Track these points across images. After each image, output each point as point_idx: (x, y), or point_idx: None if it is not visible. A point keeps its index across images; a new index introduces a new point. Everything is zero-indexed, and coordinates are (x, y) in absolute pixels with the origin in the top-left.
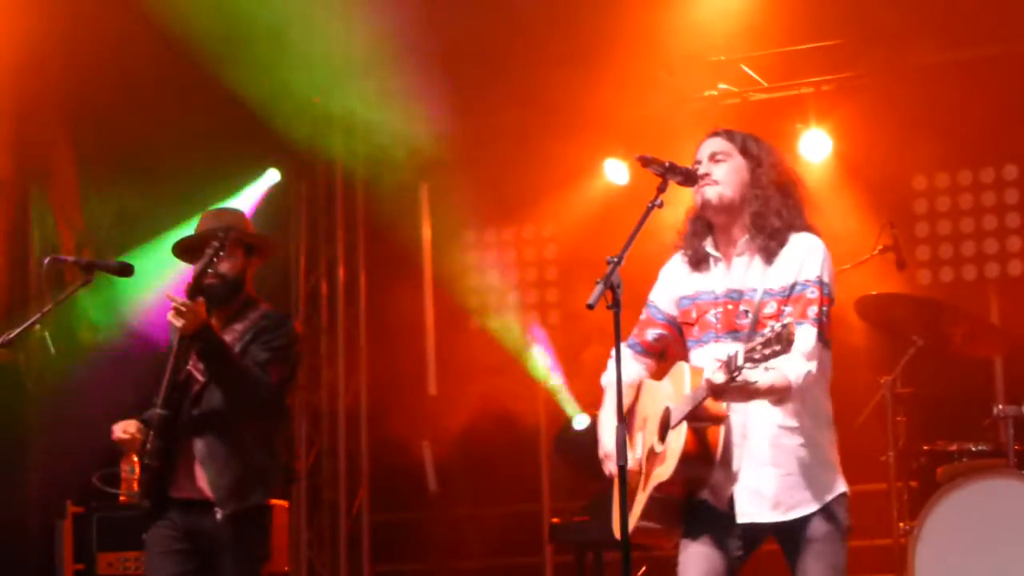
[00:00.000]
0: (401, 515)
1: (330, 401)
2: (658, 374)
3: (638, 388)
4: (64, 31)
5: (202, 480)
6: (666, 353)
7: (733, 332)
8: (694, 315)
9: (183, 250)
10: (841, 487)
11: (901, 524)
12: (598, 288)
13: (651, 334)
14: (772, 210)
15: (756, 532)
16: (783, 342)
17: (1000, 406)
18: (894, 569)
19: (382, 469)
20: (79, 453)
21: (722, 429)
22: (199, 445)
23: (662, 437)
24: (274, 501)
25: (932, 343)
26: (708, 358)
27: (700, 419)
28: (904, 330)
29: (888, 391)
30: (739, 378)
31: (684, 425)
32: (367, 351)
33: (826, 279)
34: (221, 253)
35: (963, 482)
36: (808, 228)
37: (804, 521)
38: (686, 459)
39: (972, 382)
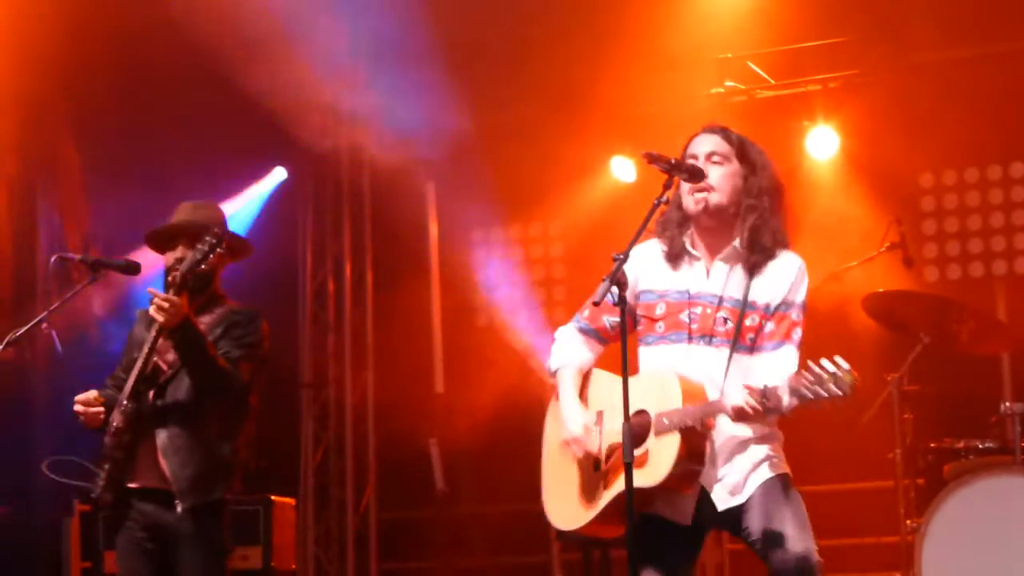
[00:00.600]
0: (408, 513)
1: (337, 399)
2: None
3: (586, 376)
4: (70, 29)
5: (164, 471)
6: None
7: (708, 337)
8: (660, 311)
9: (158, 239)
10: (782, 469)
11: (908, 521)
12: (604, 285)
13: (608, 320)
14: (769, 227)
15: (703, 529)
16: (844, 387)
17: (1007, 403)
18: (901, 567)
19: (389, 467)
20: (86, 452)
21: (709, 440)
22: (162, 436)
23: (637, 439)
24: (281, 498)
25: (939, 340)
26: (680, 359)
27: (694, 432)
28: (911, 327)
29: (895, 388)
30: (770, 407)
31: (676, 436)
32: (374, 349)
33: (806, 305)
34: (219, 250)
35: (970, 479)
36: (790, 244)
37: (747, 501)
38: (679, 467)
39: (979, 379)
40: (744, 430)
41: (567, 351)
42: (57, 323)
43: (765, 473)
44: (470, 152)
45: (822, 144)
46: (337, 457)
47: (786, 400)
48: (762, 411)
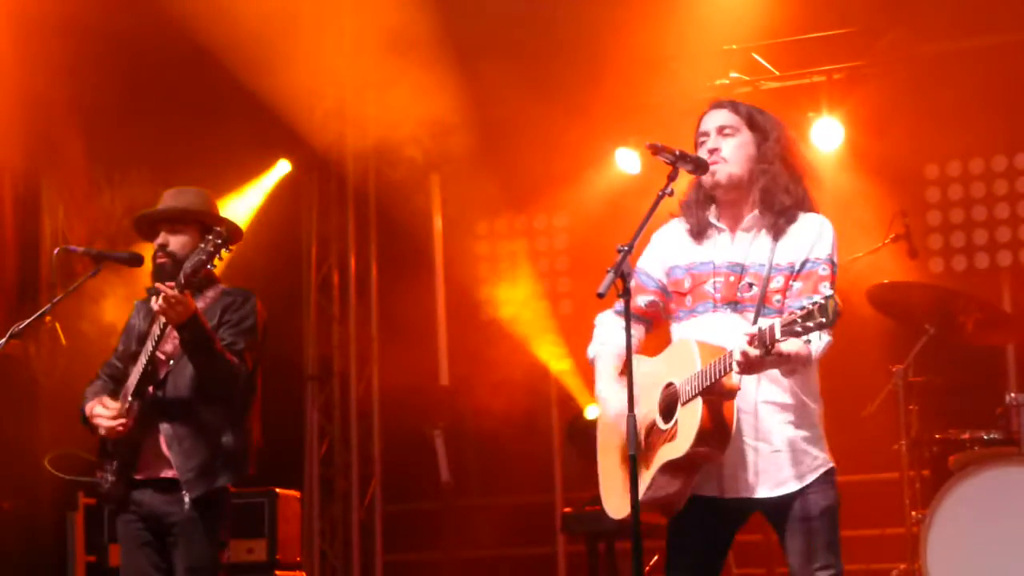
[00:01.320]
0: (413, 505)
1: (342, 391)
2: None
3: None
4: (75, 23)
5: (169, 462)
6: (653, 324)
7: (733, 303)
8: (687, 284)
9: (143, 226)
10: (829, 463)
11: (913, 513)
12: (609, 277)
13: (642, 300)
14: (780, 187)
15: (743, 509)
16: (828, 314)
17: (1012, 394)
18: (906, 558)
19: (394, 459)
20: (91, 444)
21: (735, 403)
22: (166, 428)
23: (667, 414)
24: (285, 491)
25: (944, 331)
26: (706, 328)
27: (715, 394)
28: (916, 319)
29: (900, 380)
30: (774, 351)
31: (698, 401)
32: (379, 341)
33: (835, 259)
34: (225, 250)
35: (975, 470)
36: (814, 206)
37: (792, 497)
38: (702, 435)
39: (984, 370)
40: (768, 392)
41: (605, 335)
42: (61, 315)
43: (807, 473)
44: (475, 144)
45: (827, 135)
46: (342, 449)
47: (779, 336)
48: (760, 355)
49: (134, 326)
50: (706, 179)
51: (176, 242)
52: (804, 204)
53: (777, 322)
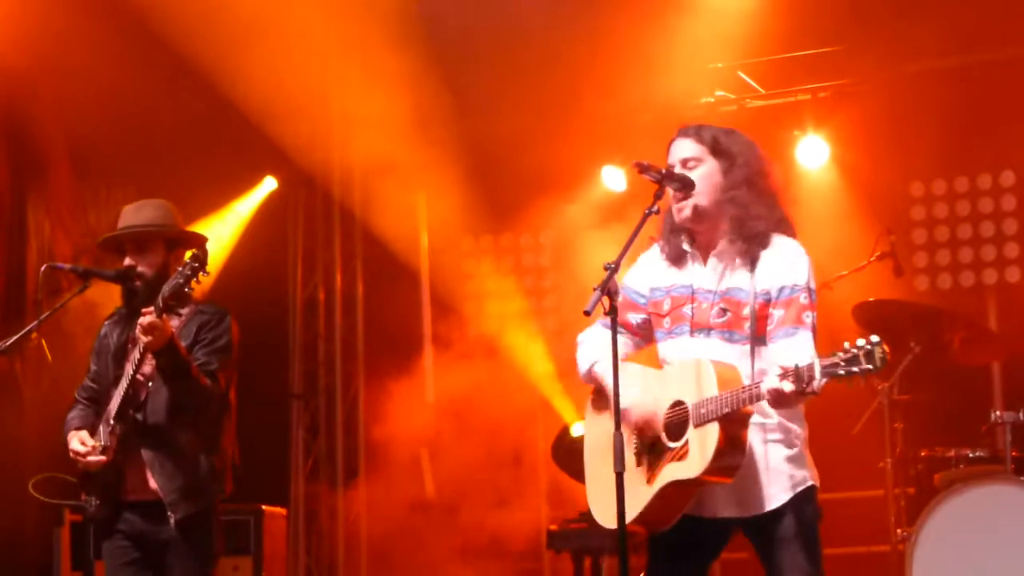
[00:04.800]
0: (399, 522)
1: (327, 408)
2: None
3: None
4: (59, 38)
5: (152, 483)
6: (644, 343)
7: (705, 330)
8: (667, 307)
9: (109, 249)
10: (809, 480)
11: (899, 530)
12: (595, 295)
13: (635, 318)
14: (751, 214)
15: (724, 529)
16: (875, 361)
17: (998, 412)
18: (891, 575)
19: (380, 476)
20: (75, 466)
21: (748, 428)
22: (147, 451)
23: (674, 432)
24: (271, 508)
25: (929, 350)
26: (683, 351)
27: (732, 420)
28: (901, 337)
29: (885, 398)
30: (808, 389)
31: (715, 425)
32: (364, 358)
33: (812, 286)
34: (202, 273)
35: (961, 488)
36: (787, 227)
37: (773, 516)
38: (719, 459)
39: (970, 388)
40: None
41: (596, 348)
42: (47, 332)
43: (787, 491)
44: (461, 161)
45: (812, 153)
46: (327, 466)
47: (819, 378)
48: (797, 392)
49: (107, 346)
50: (675, 213)
51: (143, 262)
52: (779, 226)
53: (817, 361)
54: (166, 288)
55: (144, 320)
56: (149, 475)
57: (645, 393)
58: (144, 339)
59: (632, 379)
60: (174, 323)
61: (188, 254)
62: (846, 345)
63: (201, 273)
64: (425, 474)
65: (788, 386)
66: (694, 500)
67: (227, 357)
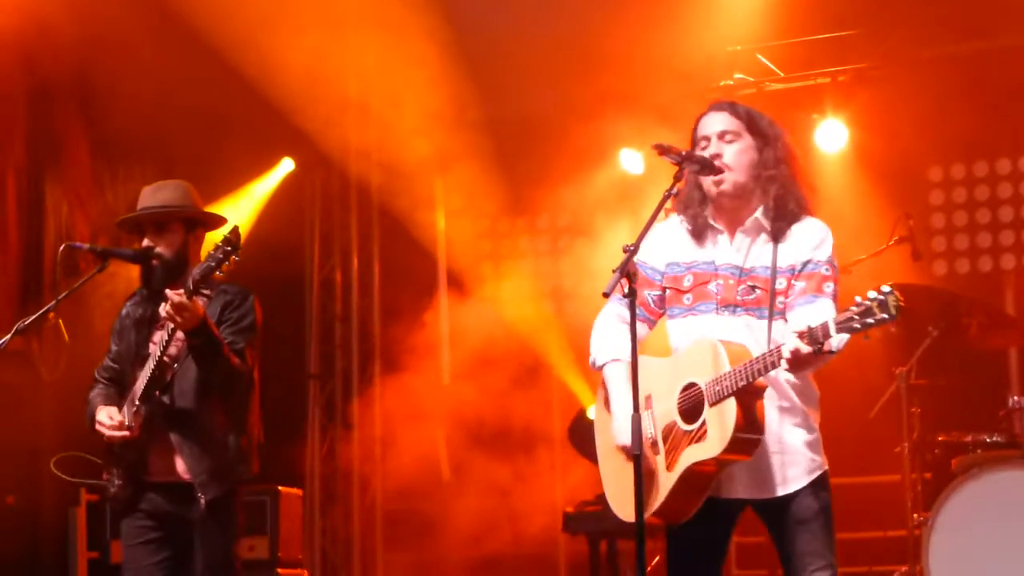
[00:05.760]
0: (414, 504)
1: (344, 389)
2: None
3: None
4: (79, 16)
5: (180, 465)
6: (655, 322)
7: (732, 307)
8: (688, 283)
9: (128, 229)
10: (823, 466)
11: (915, 515)
12: (614, 277)
13: (650, 295)
14: (792, 195)
15: (737, 509)
16: (889, 310)
17: (1015, 397)
18: (908, 560)
19: (395, 457)
20: (96, 445)
21: (764, 402)
22: (174, 432)
23: (690, 415)
24: (287, 489)
25: (947, 334)
26: (706, 329)
27: (748, 393)
28: (919, 321)
29: (903, 382)
30: (825, 347)
31: (731, 401)
32: (380, 340)
33: (835, 263)
34: (234, 257)
35: (977, 473)
36: (813, 209)
37: (788, 499)
38: (738, 434)
39: (987, 373)
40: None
41: (610, 340)
42: (64, 312)
43: (805, 475)
44: (478, 143)
45: (831, 137)
46: (344, 447)
47: (835, 334)
48: (813, 352)
49: (127, 326)
50: (710, 187)
51: (163, 243)
52: (805, 208)
53: (831, 318)
54: (196, 271)
55: (174, 301)
56: (177, 457)
57: (658, 387)
58: (175, 320)
59: (645, 374)
60: (199, 303)
61: (220, 237)
62: (857, 299)
63: (233, 257)
64: (441, 456)
65: (804, 347)
66: (713, 486)
67: (253, 336)
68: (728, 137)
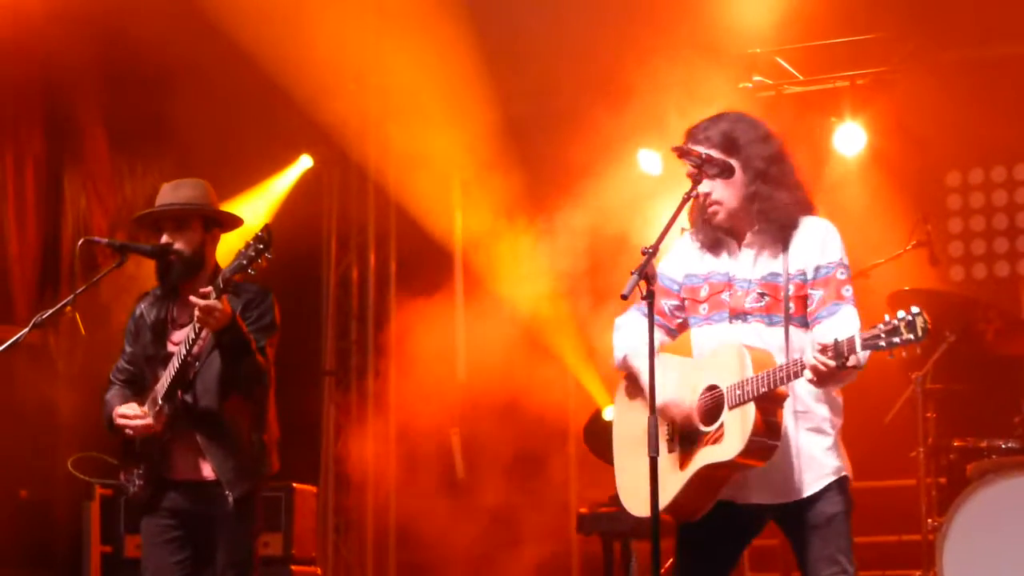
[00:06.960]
0: (428, 502)
1: (359, 387)
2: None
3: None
4: (97, 11)
5: (205, 464)
6: (676, 332)
7: (743, 315)
8: (704, 293)
9: (146, 226)
10: (843, 471)
11: (930, 520)
12: (633, 278)
13: (667, 305)
14: (776, 203)
15: (756, 515)
16: (917, 331)
17: None
18: (922, 565)
19: (410, 456)
20: (109, 435)
21: (784, 409)
22: (198, 430)
23: (709, 417)
24: (302, 486)
25: (964, 339)
26: (720, 338)
27: (768, 399)
28: (936, 326)
29: (919, 387)
30: (849, 364)
31: (751, 406)
32: (397, 337)
33: (846, 261)
34: (267, 255)
35: (993, 479)
36: (812, 207)
37: (806, 503)
38: (755, 439)
39: (1003, 379)
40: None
41: (633, 337)
42: (82, 306)
43: (820, 479)
44: (497, 142)
45: (849, 141)
46: (358, 445)
47: (860, 351)
48: (836, 367)
49: (143, 327)
50: (707, 215)
51: (181, 240)
52: (804, 208)
53: (858, 335)
54: (227, 270)
55: (202, 305)
56: (201, 456)
57: (680, 386)
58: (207, 323)
59: (668, 371)
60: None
61: (251, 235)
62: (886, 317)
63: (265, 255)
64: (455, 454)
65: (828, 361)
66: (726, 488)
67: (272, 334)
68: (712, 171)
